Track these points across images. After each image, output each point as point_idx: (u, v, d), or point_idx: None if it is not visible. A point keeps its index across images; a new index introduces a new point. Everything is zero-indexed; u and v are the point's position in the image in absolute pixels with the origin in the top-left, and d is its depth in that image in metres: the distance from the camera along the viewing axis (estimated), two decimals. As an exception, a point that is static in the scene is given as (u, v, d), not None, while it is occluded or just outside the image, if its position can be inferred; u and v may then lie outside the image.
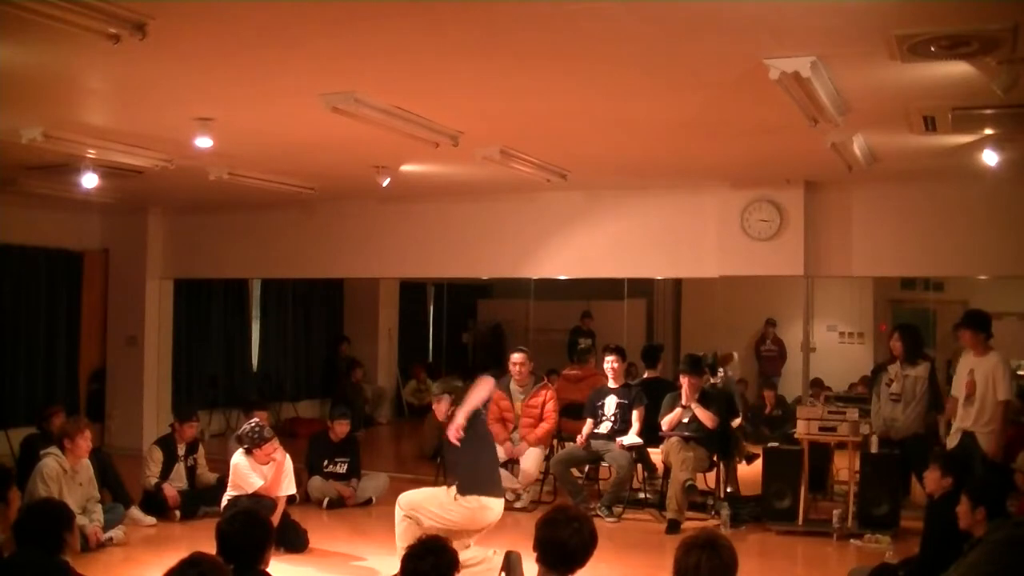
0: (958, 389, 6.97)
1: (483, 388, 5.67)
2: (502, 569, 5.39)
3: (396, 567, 5.62)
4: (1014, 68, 4.27)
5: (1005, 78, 4.32)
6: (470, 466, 5.61)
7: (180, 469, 7.82)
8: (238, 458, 6.75)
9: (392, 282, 12.86)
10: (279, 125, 6.19)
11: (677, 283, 11.46)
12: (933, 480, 5.40)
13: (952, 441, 6.93)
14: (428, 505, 5.60)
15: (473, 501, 5.53)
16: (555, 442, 8.53)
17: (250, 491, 6.60)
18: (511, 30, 4.14)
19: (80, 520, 6.00)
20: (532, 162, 7.31)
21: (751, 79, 4.67)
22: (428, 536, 3.55)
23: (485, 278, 11.21)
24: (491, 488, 5.61)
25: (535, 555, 3.32)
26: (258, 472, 6.67)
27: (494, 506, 5.58)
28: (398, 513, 5.68)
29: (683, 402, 7.76)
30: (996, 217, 7.71)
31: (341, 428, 8.35)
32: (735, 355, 10.67)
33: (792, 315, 10.13)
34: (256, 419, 7.10)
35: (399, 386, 13.65)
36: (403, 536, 5.53)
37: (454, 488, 5.58)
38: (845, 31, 4.09)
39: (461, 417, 5.56)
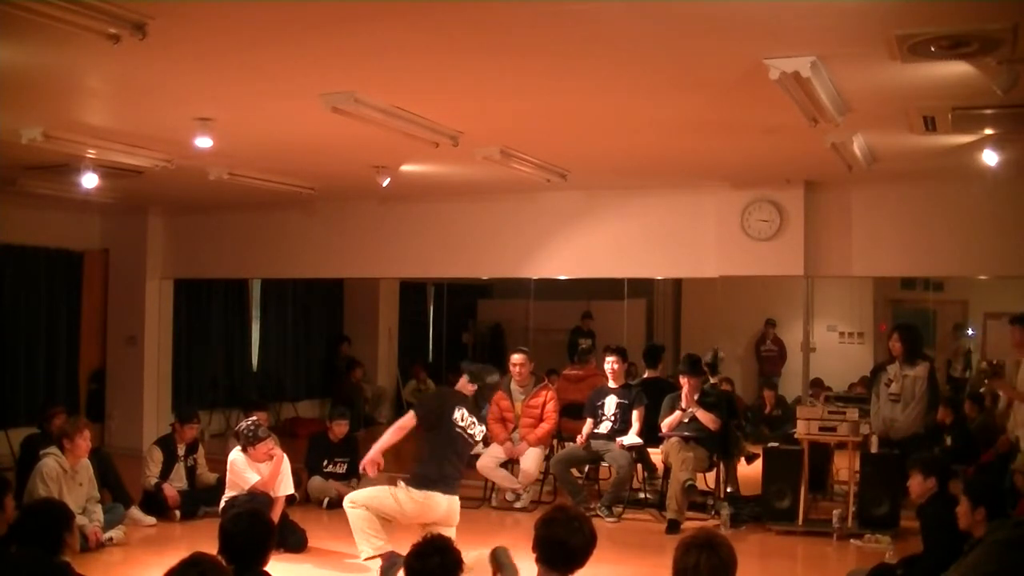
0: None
1: (397, 429, 5.87)
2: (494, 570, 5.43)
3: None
4: (1014, 68, 4.27)
5: (1005, 78, 4.32)
6: (420, 462, 5.82)
7: (180, 469, 7.82)
8: (235, 455, 6.77)
9: (392, 282, 12.84)
10: (279, 125, 6.19)
11: (677, 283, 11.44)
12: (916, 486, 5.40)
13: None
14: (379, 496, 5.77)
15: (419, 495, 5.68)
16: (555, 442, 8.53)
17: (246, 487, 6.61)
18: (511, 30, 4.14)
19: (80, 520, 6.01)
20: (532, 162, 7.31)
21: (751, 79, 4.67)
22: (434, 535, 3.54)
23: (485, 278, 11.21)
24: (439, 485, 5.72)
25: (535, 555, 3.32)
26: (254, 469, 6.69)
27: (441, 501, 5.71)
28: (350, 508, 5.77)
29: (683, 404, 7.75)
30: (996, 217, 7.71)
31: (340, 428, 8.36)
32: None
33: (792, 315, 10.12)
34: (255, 417, 7.12)
35: (399, 386, 13.63)
36: (360, 524, 5.69)
37: (402, 482, 5.79)
38: (845, 31, 4.09)
39: (375, 452, 5.82)
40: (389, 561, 5.65)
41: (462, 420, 5.84)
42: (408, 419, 5.82)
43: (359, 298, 13.60)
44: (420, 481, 5.72)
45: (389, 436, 5.84)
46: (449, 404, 5.85)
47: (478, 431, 5.93)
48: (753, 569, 6.35)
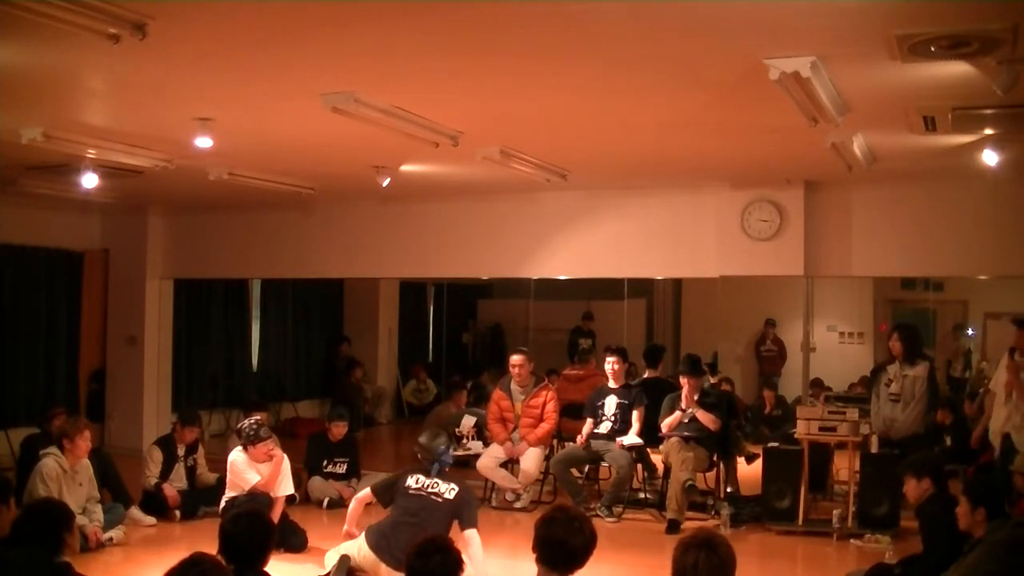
0: (998, 390, 6.97)
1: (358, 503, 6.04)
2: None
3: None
4: (1014, 68, 4.27)
5: (1005, 78, 4.32)
6: (384, 519, 5.79)
7: (180, 469, 7.82)
8: (235, 455, 6.75)
9: (392, 282, 12.85)
10: (279, 125, 6.19)
11: (677, 283, 11.45)
12: (911, 489, 5.39)
13: (996, 443, 6.93)
14: (349, 546, 5.81)
15: (369, 553, 5.64)
16: (555, 442, 8.53)
17: (246, 488, 6.61)
18: (511, 30, 4.14)
19: (80, 520, 6.01)
20: (532, 162, 7.31)
21: (751, 79, 4.67)
22: (434, 535, 3.55)
23: (485, 278, 11.21)
24: (385, 553, 5.60)
25: (535, 555, 3.32)
26: (255, 469, 6.68)
27: (385, 573, 5.60)
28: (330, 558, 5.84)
29: (683, 405, 7.75)
30: (996, 217, 7.71)
31: (338, 429, 8.36)
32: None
33: (792, 315, 10.12)
34: (257, 417, 7.12)
35: (399, 386, 13.64)
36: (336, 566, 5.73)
37: (365, 533, 5.78)
38: (845, 31, 4.09)
39: (348, 528, 5.92)
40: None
41: (416, 483, 5.75)
42: (365, 495, 5.97)
43: (359, 298, 13.61)
44: (373, 539, 5.67)
45: (352, 512, 5.99)
46: (402, 478, 5.85)
47: (444, 487, 5.71)
48: (753, 569, 6.35)
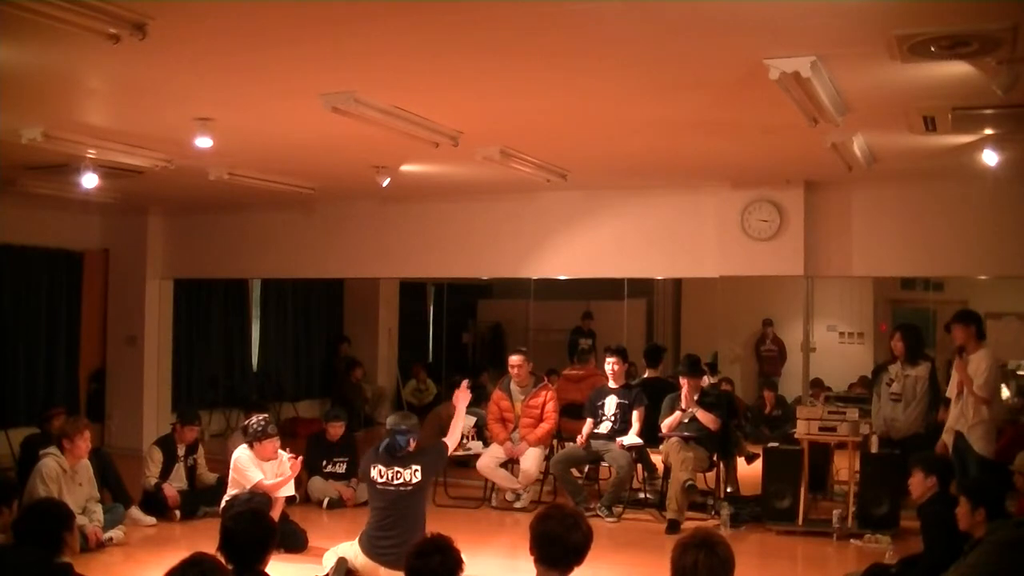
0: (951, 390, 6.98)
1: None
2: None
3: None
4: (1014, 68, 4.27)
5: (1005, 78, 4.32)
6: (368, 531, 5.80)
7: (180, 469, 7.81)
8: (240, 452, 6.74)
9: (392, 282, 12.85)
10: (279, 125, 6.19)
11: (677, 283, 11.45)
12: (917, 484, 5.39)
13: (948, 441, 6.94)
14: (345, 547, 5.85)
15: (362, 556, 5.68)
16: (555, 442, 8.53)
17: (248, 486, 6.60)
18: (511, 30, 4.14)
19: (80, 520, 6.00)
20: (532, 162, 7.31)
21: (751, 79, 4.68)
22: (434, 534, 3.54)
23: (485, 278, 11.21)
24: (373, 554, 5.66)
25: (533, 555, 3.30)
26: (258, 467, 6.67)
27: (383, 573, 5.61)
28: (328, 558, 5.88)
29: (683, 405, 7.75)
30: (996, 217, 7.71)
31: (335, 430, 8.36)
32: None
33: (792, 315, 10.12)
34: (265, 415, 7.12)
35: (399, 386, 13.63)
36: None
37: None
38: (845, 31, 4.09)
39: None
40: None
41: (380, 476, 5.75)
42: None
43: (359, 298, 13.60)
44: (366, 544, 5.71)
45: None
46: (368, 464, 5.86)
47: (407, 472, 5.72)
48: (753, 569, 6.34)
